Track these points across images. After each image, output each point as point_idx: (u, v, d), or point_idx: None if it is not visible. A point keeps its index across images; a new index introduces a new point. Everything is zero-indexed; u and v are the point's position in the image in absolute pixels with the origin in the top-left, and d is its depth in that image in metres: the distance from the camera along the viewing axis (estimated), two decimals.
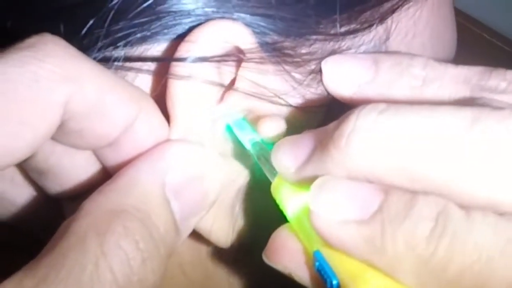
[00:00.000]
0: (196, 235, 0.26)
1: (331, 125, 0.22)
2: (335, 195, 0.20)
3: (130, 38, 0.24)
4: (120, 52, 0.25)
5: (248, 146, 0.26)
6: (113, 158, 0.23)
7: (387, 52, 0.28)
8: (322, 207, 0.20)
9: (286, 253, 0.23)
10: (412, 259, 0.19)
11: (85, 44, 0.24)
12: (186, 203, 0.23)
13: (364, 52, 0.28)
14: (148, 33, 0.25)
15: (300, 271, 0.22)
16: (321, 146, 0.21)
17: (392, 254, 0.19)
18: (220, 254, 0.29)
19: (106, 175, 0.24)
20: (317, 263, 0.21)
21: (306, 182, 0.22)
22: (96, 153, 0.24)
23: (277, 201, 0.24)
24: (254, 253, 0.29)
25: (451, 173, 0.19)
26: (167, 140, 0.24)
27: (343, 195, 0.20)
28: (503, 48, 0.82)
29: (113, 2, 0.24)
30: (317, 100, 0.27)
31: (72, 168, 0.24)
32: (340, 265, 0.21)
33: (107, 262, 0.19)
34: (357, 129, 0.20)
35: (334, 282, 0.21)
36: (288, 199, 0.23)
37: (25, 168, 0.25)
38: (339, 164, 0.21)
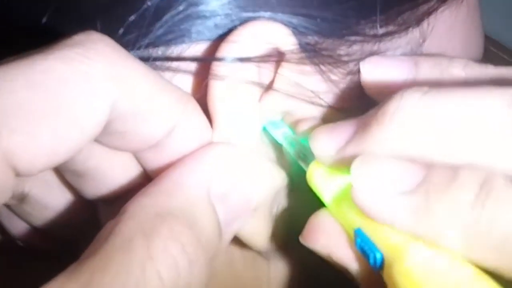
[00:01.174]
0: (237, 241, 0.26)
1: (373, 109, 0.22)
2: (377, 169, 0.20)
3: (169, 37, 0.24)
4: (158, 52, 0.24)
5: (283, 143, 0.26)
6: (154, 160, 0.23)
7: (425, 54, 0.28)
8: (364, 181, 0.20)
9: (324, 232, 0.22)
10: (457, 225, 0.18)
11: (123, 43, 0.24)
12: (230, 207, 0.22)
13: (402, 54, 0.28)
14: (187, 33, 0.24)
15: (339, 250, 0.22)
16: (362, 127, 0.21)
17: (437, 222, 0.19)
18: (252, 257, 0.28)
19: (145, 178, 0.24)
20: (358, 240, 0.21)
21: (344, 165, 0.22)
22: (137, 155, 0.24)
23: (313, 187, 0.24)
24: (288, 255, 0.29)
25: (493, 150, 0.19)
26: (211, 143, 0.23)
27: (385, 169, 0.20)
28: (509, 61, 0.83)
29: (152, 0, 0.23)
30: (354, 102, 0.27)
31: (111, 171, 0.24)
32: (383, 240, 0.20)
33: (154, 266, 0.18)
34: (401, 107, 0.20)
35: (378, 256, 0.20)
36: (325, 182, 0.23)
37: (62, 170, 0.24)
38: (381, 142, 0.21)
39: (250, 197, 0.23)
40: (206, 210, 0.21)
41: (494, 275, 0.19)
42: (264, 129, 0.27)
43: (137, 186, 0.22)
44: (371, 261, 0.20)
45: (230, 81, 0.24)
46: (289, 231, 0.27)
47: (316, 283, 0.29)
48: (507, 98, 0.19)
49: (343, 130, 0.23)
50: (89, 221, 0.25)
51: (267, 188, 0.24)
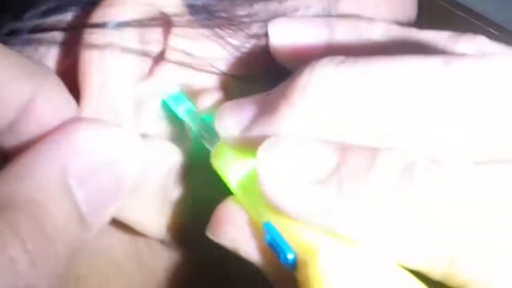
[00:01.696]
0: (128, 227, 0.23)
1: (282, 84, 0.20)
2: (285, 155, 0.18)
3: (38, 9, 0.22)
4: (27, 24, 0.22)
5: (186, 119, 0.24)
6: (11, 143, 0.20)
7: (342, 15, 0.25)
8: (271, 169, 0.18)
9: (231, 226, 0.20)
10: (376, 216, 0.17)
11: None
12: (95, 191, 0.20)
13: (315, 15, 0.25)
14: (62, 1, 0.22)
15: (248, 245, 0.20)
16: (269, 104, 0.19)
17: (352, 214, 0.17)
18: (158, 246, 0.26)
19: (5, 163, 0.21)
20: (267, 237, 0.19)
21: (252, 147, 0.19)
22: None
23: (219, 171, 0.22)
24: (197, 240, 0.26)
25: (413, 128, 0.17)
26: (73, 119, 0.20)
27: (294, 154, 0.18)
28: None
29: None
30: (260, 68, 0.24)
31: None
32: (294, 236, 0.18)
33: None
34: (312, 81, 0.18)
35: (290, 256, 0.18)
36: (231, 166, 0.21)
37: None
38: (291, 121, 0.18)
39: (121, 178, 0.20)
40: (61, 196, 0.19)
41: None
42: (164, 103, 0.24)
43: None
44: (282, 260, 0.18)
45: (104, 50, 0.21)
46: (192, 216, 0.25)
47: (220, 270, 0.27)
48: (434, 63, 0.17)
49: (248, 108, 0.20)
50: None
51: (146, 169, 0.21)
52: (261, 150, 0.18)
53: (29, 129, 0.19)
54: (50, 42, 0.22)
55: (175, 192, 0.24)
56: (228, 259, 0.21)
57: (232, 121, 0.20)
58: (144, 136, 0.23)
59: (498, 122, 0.17)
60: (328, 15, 0.25)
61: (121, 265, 0.26)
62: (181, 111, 0.24)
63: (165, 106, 0.25)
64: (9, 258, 0.17)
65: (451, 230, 0.16)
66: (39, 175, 0.18)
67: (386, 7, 0.27)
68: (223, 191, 0.21)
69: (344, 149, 0.18)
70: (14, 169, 0.19)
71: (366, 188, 0.17)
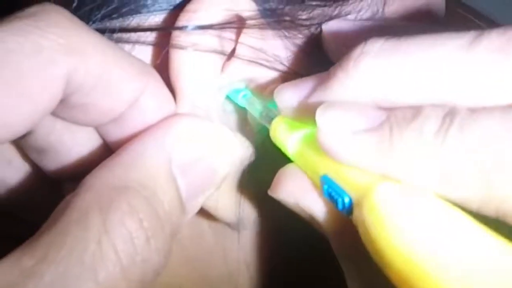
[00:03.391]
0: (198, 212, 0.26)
1: (337, 63, 0.21)
2: (342, 110, 0.20)
3: (125, 9, 0.23)
4: (115, 23, 0.24)
5: (248, 107, 0.26)
6: (117, 134, 0.22)
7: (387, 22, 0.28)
8: (329, 122, 0.20)
9: (291, 181, 0.22)
10: (422, 155, 0.18)
11: (79, 15, 0.23)
12: (193, 180, 0.22)
13: (366, 19, 0.28)
14: (144, 3, 0.24)
15: (306, 196, 0.22)
16: (326, 77, 0.21)
17: (401, 154, 0.18)
18: (220, 227, 0.28)
19: (109, 153, 0.23)
20: (325, 187, 0.21)
21: (308, 116, 0.21)
22: (99, 129, 0.23)
23: (277, 142, 0.24)
24: (258, 225, 0.29)
25: (456, 88, 0.19)
26: (175, 115, 0.23)
27: (350, 110, 0.20)
28: None
29: None
30: (316, 66, 0.27)
31: (73, 146, 0.23)
32: (350, 182, 0.20)
33: (110, 241, 0.18)
34: (365, 52, 0.20)
35: (346, 199, 0.20)
36: (289, 135, 0.23)
37: (24, 147, 0.24)
38: (346, 87, 0.20)
39: (215, 169, 0.23)
40: (167, 183, 0.21)
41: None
42: (228, 97, 0.27)
43: (100, 160, 0.22)
44: (340, 206, 0.20)
45: (191, 50, 0.23)
46: (257, 200, 0.27)
47: (287, 251, 0.29)
48: (466, 38, 0.19)
49: (307, 82, 0.22)
50: (55, 201, 0.25)
51: (233, 159, 0.24)
52: (320, 109, 0.20)
53: (135, 122, 0.22)
54: (135, 42, 0.24)
55: (242, 179, 0.27)
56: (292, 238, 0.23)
57: (291, 93, 0.22)
58: None
59: None
60: (376, 16, 0.28)
61: (184, 243, 0.28)
62: (243, 101, 0.26)
63: (230, 100, 0.27)
64: (129, 233, 0.19)
65: (496, 164, 0.17)
66: (149, 163, 0.21)
67: (426, 6, 0.30)
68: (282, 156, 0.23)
69: (392, 108, 0.20)
70: (125, 157, 0.21)
71: (411, 132, 0.18)
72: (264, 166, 0.26)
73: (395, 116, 0.19)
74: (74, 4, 0.23)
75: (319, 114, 0.20)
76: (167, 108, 0.23)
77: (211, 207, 0.26)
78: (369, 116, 0.20)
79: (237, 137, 0.26)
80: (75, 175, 0.24)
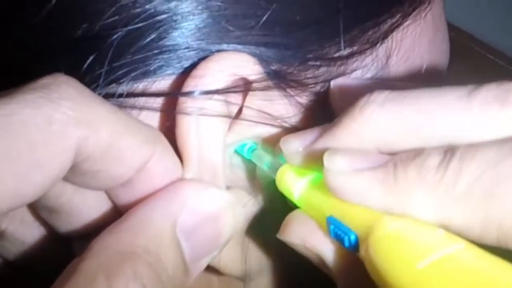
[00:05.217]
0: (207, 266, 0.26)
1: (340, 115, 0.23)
2: (348, 153, 0.21)
3: (133, 74, 0.24)
4: (123, 88, 0.24)
5: (255, 161, 0.26)
6: (126, 197, 0.23)
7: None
8: (336, 162, 0.21)
9: (298, 224, 0.23)
10: (424, 188, 0.19)
11: (87, 81, 0.24)
12: (197, 244, 0.23)
13: (370, 73, 0.28)
14: (152, 68, 0.24)
15: (313, 237, 0.23)
16: (331, 127, 0.22)
17: (404, 188, 0.19)
18: (228, 280, 0.29)
19: (118, 214, 0.24)
20: (331, 227, 0.21)
21: (314, 161, 0.22)
22: (109, 192, 0.24)
23: (283, 190, 0.24)
24: (265, 276, 0.29)
25: (457, 132, 0.20)
26: (181, 180, 0.24)
27: (356, 153, 0.21)
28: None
29: (114, 37, 0.23)
30: (322, 122, 0.27)
31: (83, 207, 0.24)
32: (356, 220, 0.21)
33: None
34: (371, 101, 0.21)
35: (352, 237, 0.21)
36: (294, 181, 0.24)
37: (36, 207, 0.24)
38: (351, 133, 0.21)
39: (219, 233, 0.23)
40: (171, 248, 0.21)
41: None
42: (236, 151, 0.27)
43: (109, 221, 0.22)
44: (346, 243, 0.21)
45: (198, 115, 0.24)
46: (265, 251, 0.28)
47: None
48: (462, 92, 0.20)
49: (312, 132, 0.23)
50: (65, 256, 0.25)
51: (235, 223, 0.24)
52: (327, 153, 0.21)
53: (143, 187, 0.22)
54: (143, 106, 0.25)
55: (248, 233, 0.27)
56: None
57: (297, 140, 0.23)
58: (228, 188, 0.26)
59: None
60: (381, 71, 0.28)
61: None
62: (251, 154, 0.27)
63: (239, 153, 0.27)
64: None
65: (495, 197, 0.18)
66: (154, 228, 0.21)
67: (428, 57, 0.31)
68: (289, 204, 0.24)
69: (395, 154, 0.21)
70: (131, 221, 0.21)
71: (414, 167, 0.19)
72: (272, 218, 0.26)
73: (399, 155, 0.20)
74: (83, 69, 0.24)
75: (327, 157, 0.21)
76: (174, 173, 0.23)
77: (218, 263, 0.26)
78: (374, 158, 0.21)
79: (243, 193, 0.27)
80: (86, 234, 0.24)
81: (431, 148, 0.20)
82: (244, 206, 0.26)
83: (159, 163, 0.22)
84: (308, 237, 0.23)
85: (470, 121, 0.20)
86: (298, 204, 0.24)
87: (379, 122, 0.21)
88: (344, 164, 0.21)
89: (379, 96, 0.21)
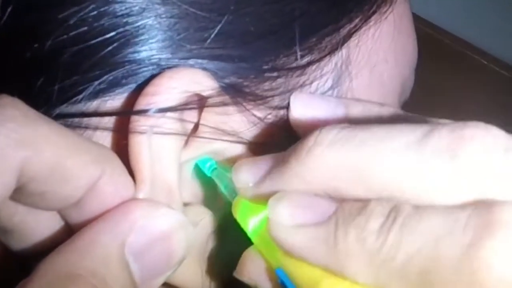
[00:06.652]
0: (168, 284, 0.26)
1: (294, 145, 0.22)
2: (292, 203, 0.21)
3: (85, 93, 0.24)
4: (76, 108, 0.24)
5: (215, 179, 0.26)
6: (77, 217, 0.23)
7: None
8: (279, 214, 0.21)
9: (252, 266, 0.23)
10: (363, 253, 0.19)
11: (40, 101, 0.24)
12: (148, 264, 0.22)
13: (330, 83, 0.28)
14: (104, 86, 0.24)
15: (266, 284, 0.23)
16: (281, 161, 0.22)
17: (344, 250, 0.19)
18: None
19: (72, 234, 0.24)
20: (279, 280, 0.22)
21: (265, 198, 0.22)
22: (61, 212, 0.23)
23: (239, 220, 0.24)
24: None
25: (403, 185, 0.20)
26: (131, 200, 0.23)
27: (300, 203, 0.21)
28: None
29: (64, 56, 0.23)
30: (281, 135, 0.27)
31: (37, 227, 0.23)
32: (300, 276, 0.21)
33: None
34: (318, 142, 0.21)
35: None
36: (248, 217, 0.24)
37: None
38: (298, 175, 0.21)
39: (171, 253, 0.23)
40: (119, 270, 0.21)
41: None
42: (197, 166, 0.27)
43: (63, 241, 0.22)
44: None
45: (150, 134, 0.24)
46: (227, 269, 0.27)
47: None
48: (418, 131, 0.20)
49: (262, 163, 0.23)
50: (21, 276, 0.25)
51: (187, 243, 0.24)
52: (271, 200, 0.21)
53: (93, 207, 0.22)
54: (95, 127, 0.25)
55: (210, 250, 0.27)
56: None
57: (247, 174, 0.23)
58: (184, 204, 0.26)
59: None
60: (342, 76, 0.28)
61: None
62: (211, 172, 0.27)
63: (198, 171, 0.27)
64: None
65: (431, 278, 0.18)
66: (100, 249, 0.21)
67: (394, 60, 0.30)
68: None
69: (341, 200, 0.21)
70: (78, 242, 0.21)
71: (355, 230, 0.19)
72: (234, 235, 0.26)
73: (342, 210, 0.20)
74: (36, 90, 0.24)
75: (271, 205, 0.21)
76: (126, 193, 0.23)
77: (175, 280, 0.26)
78: (318, 210, 0.21)
79: (204, 209, 0.27)
80: (41, 254, 0.24)
81: (376, 204, 0.20)
82: (198, 224, 0.26)
83: (109, 183, 0.22)
84: (260, 279, 0.23)
85: (420, 173, 0.19)
86: (251, 238, 0.24)
87: (326, 167, 0.21)
88: (287, 217, 0.21)
89: (328, 136, 0.21)
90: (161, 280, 0.23)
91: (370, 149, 0.20)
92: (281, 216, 0.21)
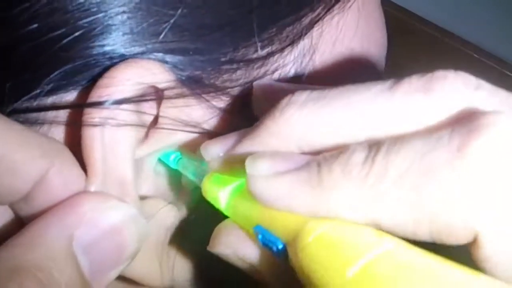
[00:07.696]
0: (131, 280, 0.25)
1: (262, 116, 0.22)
2: (271, 156, 0.20)
3: (39, 89, 0.24)
4: (32, 103, 0.24)
5: (180, 169, 0.26)
6: (28, 211, 0.23)
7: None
8: (258, 167, 0.20)
9: (228, 235, 0.23)
10: (350, 183, 0.18)
11: None
12: (98, 258, 0.22)
13: (293, 73, 0.28)
14: (58, 82, 0.24)
15: (243, 246, 0.22)
16: (252, 130, 0.22)
17: (329, 186, 0.19)
18: None
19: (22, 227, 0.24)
20: (260, 236, 0.21)
21: (236, 166, 0.22)
22: (12, 206, 0.23)
23: (210, 199, 0.24)
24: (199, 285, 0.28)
25: (380, 125, 0.19)
26: (81, 192, 0.23)
27: (279, 156, 0.20)
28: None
29: (17, 53, 0.23)
30: (243, 125, 0.27)
31: None
32: (282, 228, 0.20)
33: None
34: (292, 101, 0.21)
35: (280, 246, 0.20)
36: (220, 189, 0.23)
37: None
38: (273, 135, 0.21)
39: (122, 246, 0.23)
40: (66, 264, 0.21)
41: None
42: (160, 160, 0.27)
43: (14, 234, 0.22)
44: (275, 252, 0.20)
45: (103, 127, 0.23)
46: (194, 260, 0.27)
47: None
48: (385, 86, 0.20)
49: (233, 136, 0.23)
50: None
51: (139, 236, 0.24)
52: (249, 158, 0.21)
53: (42, 200, 0.22)
54: (51, 122, 0.25)
55: (173, 243, 0.27)
56: None
57: (217, 145, 0.23)
58: (143, 198, 0.26)
59: None
60: (305, 67, 0.28)
61: None
62: (175, 163, 0.26)
63: (162, 163, 0.27)
64: None
65: (423, 190, 0.17)
66: (47, 243, 0.21)
67: (360, 48, 0.30)
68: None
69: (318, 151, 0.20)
70: (25, 236, 0.21)
71: (339, 165, 0.19)
72: (200, 227, 0.26)
73: (323, 154, 0.20)
74: None
75: (249, 163, 0.21)
76: (76, 186, 0.23)
77: (134, 275, 0.26)
78: (297, 159, 0.20)
79: (159, 202, 0.26)
80: None
81: (356, 144, 0.19)
82: (153, 217, 0.26)
83: (58, 176, 0.22)
84: (237, 246, 0.22)
85: (394, 114, 0.19)
86: (225, 213, 0.23)
87: (300, 122, 0.20)
88: (266, 168, 0.20)
89: (301, 97, 0.21)
90: (113, 274, 0.23)
91: (342, 102, 0.20)
92: (261, 168, 0.20)
